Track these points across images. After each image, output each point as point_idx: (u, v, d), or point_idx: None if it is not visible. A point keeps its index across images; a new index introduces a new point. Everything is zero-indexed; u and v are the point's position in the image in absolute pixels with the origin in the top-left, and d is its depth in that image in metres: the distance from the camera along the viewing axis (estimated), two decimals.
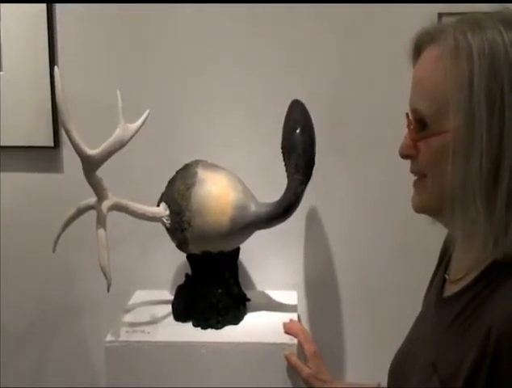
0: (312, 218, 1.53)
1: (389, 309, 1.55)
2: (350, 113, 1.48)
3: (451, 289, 0.93)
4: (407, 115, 0.91)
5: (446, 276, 0.97)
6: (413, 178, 0.93)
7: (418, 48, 0.89)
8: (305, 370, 1.26)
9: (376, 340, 1.56)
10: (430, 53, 0.86)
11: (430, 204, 0.89)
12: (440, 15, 1.34)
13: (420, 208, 0.92)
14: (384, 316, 1.56)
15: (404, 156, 0.91)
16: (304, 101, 1.33)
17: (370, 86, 1.47)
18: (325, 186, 1.50)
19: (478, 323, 0.81)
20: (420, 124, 0.87)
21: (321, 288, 1.56)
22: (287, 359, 1.27)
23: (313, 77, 1.47)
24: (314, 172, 1.34)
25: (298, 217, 1.49)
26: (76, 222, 1.29)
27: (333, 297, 1.56)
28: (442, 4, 1.35)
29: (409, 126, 0.90)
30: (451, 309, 0.89)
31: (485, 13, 0.84)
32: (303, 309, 1.56)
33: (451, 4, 1.33)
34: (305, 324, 1.56)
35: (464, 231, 0.86)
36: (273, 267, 1.55)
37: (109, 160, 1.21)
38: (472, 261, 0.87)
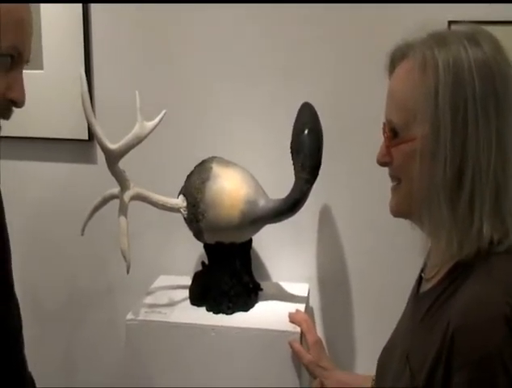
0: (326, 215, 1.60)
1: (400, 304, 1.59)
2: (360, 114, 1.53)
3: (425, 286, 0.99)
4: (384, 124, 0.97)
5: (423, 275, 1.03)
6: None
7: (393, 63, 0.96)
8: (306, 357, 1.33)
9: (386, 334, 1.61)
10: (401, 68, 0.93)
11: (404, 208, 0.95)
12: (450, 23, 1.38)
13: (395, 212, 0.98)
14: (394, 311, 1.60)
15: (381, 163, 0.97)
16: (315, 103, 1.40)
17: (378, 89, 1.52)
18: (337, 184, 1.56)
19: (442, 319, 0.87)
20: (393, 133, 0.94)
21: (333, 281, 1.62)
22: (291, 345, 1.35)
23: (324, 80, 1.54)
24: (328, 171, 1.43)
25: (312, 213, 1.58)
26: (109, 211, 1.41)
27: (344, 291, 1.62)
28: (452, 12, 1.39)
29: (384, 135, 0.96)
30: (423, 304, 0.95)
31: (452, 30, 0.91)
32: (315, 302, 1.63)
33: (461, 11, 1.38)
34: (317, 316, 1.64)
35: (431, 232, 0.93)
36: (287, 260, 1.63)
37: (136, 155, 1.34)
38: (439, 260, 0.93)
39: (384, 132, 0.96)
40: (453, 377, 0.82)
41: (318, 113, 1.39)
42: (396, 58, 0.95)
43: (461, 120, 0.85)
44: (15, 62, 0.94)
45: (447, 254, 0.90)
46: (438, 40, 0.89)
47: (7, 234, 1.16)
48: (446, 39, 0.88)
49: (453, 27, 1.35)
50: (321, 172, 1.39)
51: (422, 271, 1.04)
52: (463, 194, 0.86)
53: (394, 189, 0.97)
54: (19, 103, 0.96)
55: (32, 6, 1.61)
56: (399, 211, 0.97)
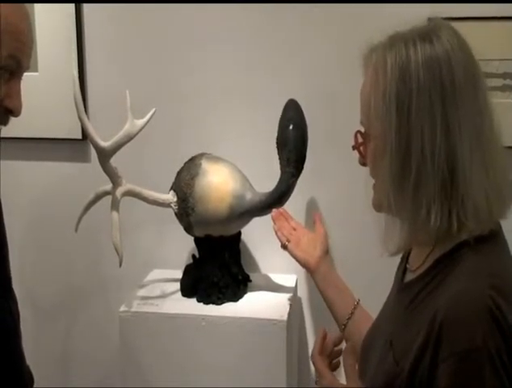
0: (312, 207, 1.65)
1: (387, 293, 1.65)
2: (346, 110, 1.58)
3: (409, 276, 1.03)
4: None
5: (407, 266, 1.06)
6: None
7: (364, 67, 1.01)
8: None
9: None
10: (365, 74, 0.98)
11: (380, 203, 0.99)
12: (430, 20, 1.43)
13: (375, 207, 1.01)
14: (382, 300, 1.65)
15: (361, 164, 1.02)
16: (301, 100, 1.46)
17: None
18: (323, 178, 1.62)
19: (428, 308, 0.89)
20: (363, 135, 1.00)
21: None
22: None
23: (310, 77, 1.59)
24: (314, 165, 1.48)
25: (299, 206, 1.63)
26: (103, 208, 1.45)
27: None
28: (430, 9, 1.44)
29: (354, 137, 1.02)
30: (408, 294, 0.98)
31: (409, 29, 0.94)
32: (303, 292, 1.68)
33: (440, 8, 1.43)
34: (305, 306, 1.69)
35: (387, 224, 0.98)
36: (275, 251, 1.65)
37: (128, 152, 1.39)
38: (417, 251, 0.99)
39: (356, 134, 1.02)
40: (439, 367, 0.84)
41: (304, 109, 1.45)
42: (365, 64, 0.99)
43: (406, 113, 0.89)
44: (14, 72, 0.98)
45: (404, 242, 0.95)
46: (390, 41, 0.93)
47: (4, 230, 1.20)
48: (397, 39, 0.92)
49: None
50: (307, 166, 1.45)
51: (407, 261, 1.08)
52: (410, 183, 0.90)
53: (373, 186, 1.01)
54: (16, 113, 0.99)
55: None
56: (376, 206, 1.00)
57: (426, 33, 0.92)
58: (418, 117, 0.89)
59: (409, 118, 0.89)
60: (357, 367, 1.15)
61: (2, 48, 0.93)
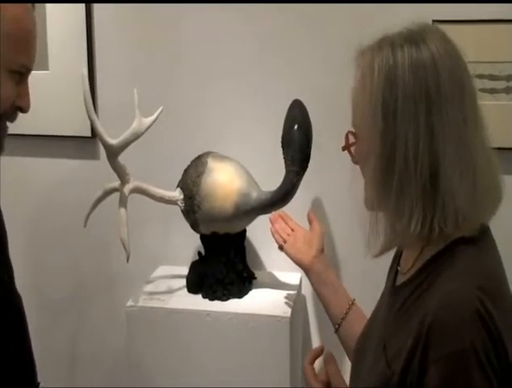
0: (317, 206, 1.67)
1: None
2: (349, 110, 1.60)
3: (401, 279, 1.04)
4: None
5: (399, 268, 1.08)
6: None
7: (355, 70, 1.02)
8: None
9: None
10: (355, 76, 0.99)
11: (370, 203, 1.00)
12: (434, 22, 1.45)
13: (367, 207, 1.02)
14: None
15: (354, 163, 1.04)
16: (306, 100, 1.47)
17: None
18: (327, 176, 1.63)
19: (418, 311, 0.90)
20: (354, 135, 1.02)
21: None
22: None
23: (315, 78, 1.61)
24: (319, 164, 1.50)
25: (304, 205, 1.64)
26: (111, 205, 1.47)
27: None
28: (437, 10, 1.46)
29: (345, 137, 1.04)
30: (399, 296, 1.00)
31: (397, 32, 0.95)
32: (307, 290, 1.70)
33: (446, 9, 1.45)
34: (309, 304, 1.71)
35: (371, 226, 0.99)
36: None
37: (135, 150, 1.42)
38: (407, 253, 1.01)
39: (346, 135, 1.04)
40: (428, 369, 0.85)
41: (309, 109, 1.47)
42: (354, 65, 1.00)
43: (391, 118, 0.90)
44: (24, 74, 1.05)
45: (386, 244, 0.97)
46: (380, 43, 0.94)
47: (3, 223, 1.25)
48: (385, 42, 0.94)
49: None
50: (312, 165, 1.46)
51: (398, 263, 1.09)
52: (393, 187, 0.91)
53: (363, 186, 1.02)
54: (25, 110, 1.07)
55: (38, 9, 1.72)
56: (368, 205, 1.01)
57: (414, 37, 0.92)
58: (403, 123, 0.89)
59: (394, 123, 0.90)
60: (350, 369, 1.16)
61: (17, 58, 1.01)
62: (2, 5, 0.97)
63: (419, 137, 0.89)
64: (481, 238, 0.93)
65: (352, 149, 1.03)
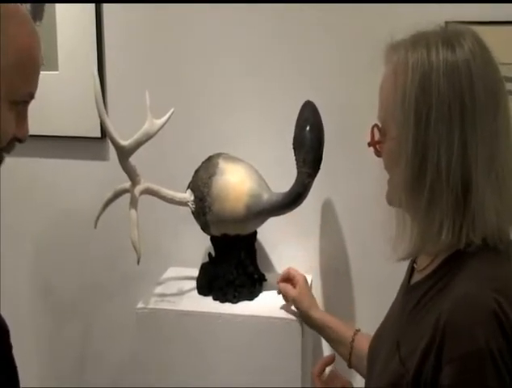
0: (328, 208, 1.66)
1: None
2: (361, 112, 1.59)
3: (416, 277, 1.03)
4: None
5: (415, 266, 1.07)
6: None
7: (385, 64, 1.01)
8: (292, 292, 1.42)
9: None
10: (386, 70, 0.98)
11: (393, 199, 1.00)
12: (447, 24, 1.43)
13: (388, 202, 1.02)
14: None
15: (377, 155, 1.02)
16: (318, 101, 1.46)
17: (378, 87, 1.58)
18: (339, 178, 1.63)
19: (433, 310, 0.90)
20: (379, 131, 1.00)
21: (334, 272, 1.69)
22: (279, 285, 1.45)
23: (326, 79, 1.61)
24: (330, 166, 1.49)
25: (315, 206, 1.64)
26: (122, 206, 1.47)
27: (346, 281, 1.69)
28: (449, 11, 1.44)
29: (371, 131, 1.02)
30: (414, 295, 0.99)
31: (432, 31, 0.93)
32: (317, 292, 1.69)
33: (458, 11, 1.43)
34: (320, 306, 1.68)
35: (398, 229, 0.98)
36: (291, 251, 1.69)
37: (146, 151, 1.41)
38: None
39: (372, 129, 1.02)
40: (443, 369, 0.85)
41: (320, 110, 1.46)
42: (386, 61, 0.98)
43: (424, 124, 0.89)
44: (27, 102, 0.98)
45: (414, 249, 0.95)
46: (413, 42, 0.93)
47: None
48: (420, 41, 0.92)
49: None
50: (323, 167, 1.45)
51: (414, 261, 1.08)
52: (424, 194, 0.90)
53: (387, 181, 1.02)
54: (23, 140, 0.99)
55: (47, 10, 1.71)
56: (390, 201, 1.01)
57: (449, 39, 0.91)
58: (436, 130, 0.88)
59: (426, 130, 0.89)
60: (366, 368, 1.16)
61: (27, 85, 0.95)
62: (11, 34, 0.91)
63: (453, 148, 0.88)
64: (503, 247, 0.92)
65: (378, 146, 1.01)
